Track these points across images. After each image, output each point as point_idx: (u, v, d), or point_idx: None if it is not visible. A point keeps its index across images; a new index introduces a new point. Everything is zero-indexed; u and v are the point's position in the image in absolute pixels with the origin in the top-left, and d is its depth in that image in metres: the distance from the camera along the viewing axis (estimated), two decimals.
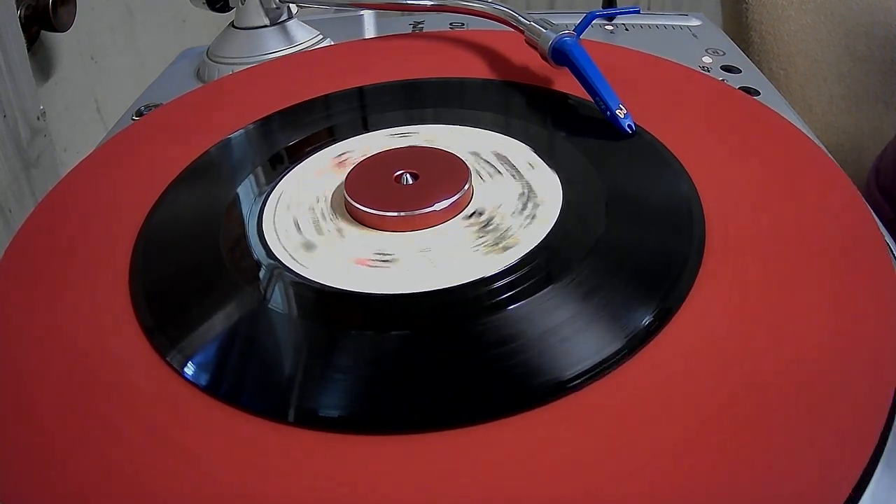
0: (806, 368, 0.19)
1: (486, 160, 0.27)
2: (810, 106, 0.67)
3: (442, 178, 0.26)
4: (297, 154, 0.29)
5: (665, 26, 0.45)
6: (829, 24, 0.66)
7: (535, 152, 0.28)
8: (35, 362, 0.21)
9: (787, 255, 0.22)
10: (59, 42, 0.55)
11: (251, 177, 0.28)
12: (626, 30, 0.45)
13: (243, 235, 0.25)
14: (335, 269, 0.23)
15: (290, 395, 0.19)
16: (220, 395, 0.20)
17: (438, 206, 0.24)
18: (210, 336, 0.22)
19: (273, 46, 0.41)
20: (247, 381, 0.20)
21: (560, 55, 0.31)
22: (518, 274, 0.22)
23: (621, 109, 0.28)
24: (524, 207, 0.25)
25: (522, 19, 0.33)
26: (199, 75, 0.42)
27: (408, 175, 0.26)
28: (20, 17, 0.48)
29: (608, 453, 0.17)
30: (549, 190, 0.26)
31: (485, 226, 0.24)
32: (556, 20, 0.34)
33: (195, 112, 0.34)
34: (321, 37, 0.43)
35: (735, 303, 0.21)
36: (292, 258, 0.24)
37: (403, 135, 0.30)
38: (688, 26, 0.45)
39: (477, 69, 0.34)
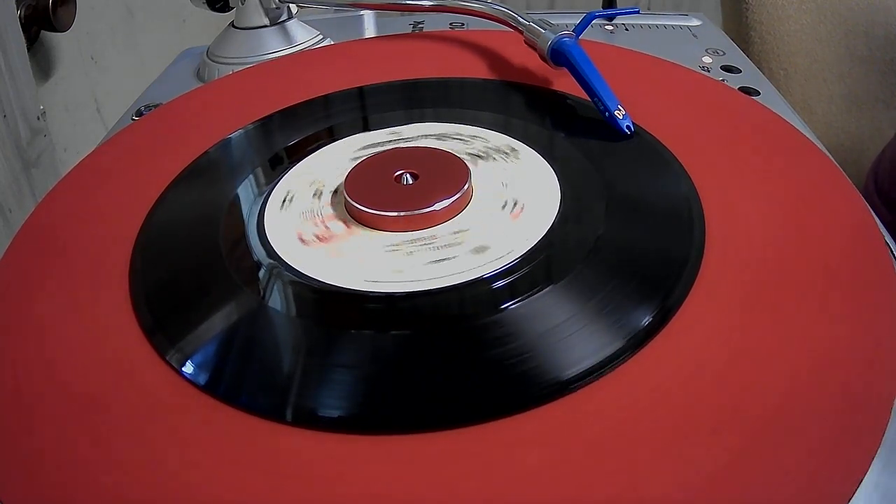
0: (806, 369, 0.19)
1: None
2: (810, 106, 0.67)
3: (442, 178, 0.26)
4: (298, 154, 0.29)
5: (665, 26, 0.45)
6: (829, 24, 0.66)
7: (541, 155, 0.28)
8: (34, 362, 0.21)
9: (787, 255, 0.22)
10: (59, 42, 0.55)
11: (251, 177, 0.28)
12: (626, 30, 0.45)
13: (243, 235, 0.25)
14: (335, 269, 0.23)
15: (290, 395, 0.19)
16: (220, 394, 0.20)
17: (438, 206, 0.24)
18: (210, 336, 0.22)
19: (273, 46, 0.41)
20: (246, 381, 0.20)
21: (559, 56, 0.31)
22: (518, 274, 0.22)
23: (620, 110, 0.28)
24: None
25: (521, 19, 0.33)
26: (199, 75, 0.42)
27: (408, 175, 0.26)
28: (20, 17, 0.48)
29: (608, 453, 0.17)
30: (549, 190, 0.26)
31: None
32: (556, 20, 0.34)
33: (195, 112, 0.34)
34: (321, 37, 0.43)
35: (735, 303, 0.21)
36: (291, 258, 0.24)
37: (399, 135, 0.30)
38: (688, 26, 0.45)
39: (477, 69, 0.34)
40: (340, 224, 0.25)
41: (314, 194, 0.27)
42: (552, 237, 0.23)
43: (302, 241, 0.24)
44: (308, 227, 0.25)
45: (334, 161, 0.28)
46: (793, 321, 0.20)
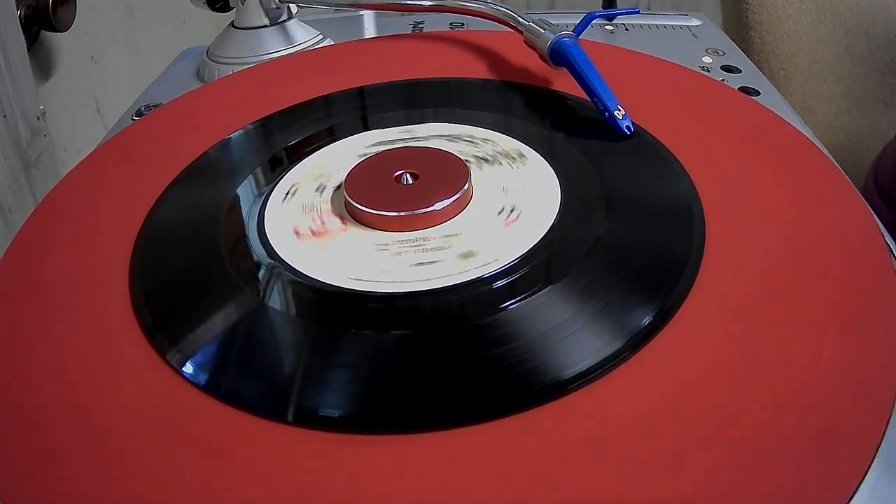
0: (806, 369, 0.19)
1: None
2: (810, 106, 0.67)
3: (442, 178, 0.26)
4: (297, 154, 0.29)
5: (665, 26, 0.45)
6: (829, 24, 0.66)
7: (541, 155, 0.28)
8: (34, 362, 0.21)
9: (786, 255, 0.22)
10: (59, 42, 0.55)
11: (251, 177, 0.28)
12: (626, 30, 0.45)
13: (243, 235, 0.25)
14: (335, 269, 0.23)
15: (290, 395, 0.19)
16: (220, 394, 0.20)
17: (438, 206, 0.24)
18: (210, 336, 0.22)
19: (273, 46, 0.41)
20: (246, 381, 0.20)
21: (559, 56, 0.31)
22: (518, 274, 0.22)
23: (619, 111, 0.28)
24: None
25: (521, 20, 0.33)
26: (199, 75, 0.42)
27: (408, 175, 0.26)
28: (20, 17, 0.48)
29: (607, 453, 0.17)
30: (549, 190, 0.26)
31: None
32: (556, 20, 0.34)
33: (195, 112, 0.34)
34: (321, 37, 0.43)
35: (734, 303, 0.21)
36: (291, 258, 0.24)
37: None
38: (688, 26, 0.45)
39: (477, 69, 0.34)
40: (340, 223, 0.25)
41: (316, 191, 0.27)
42: (552, 237, 0.23)
43: (298, 236, 0.24)
44: (307, 225, 0.25)
45: (339, 159, 0.28)
46: (792, 321, 0.20)
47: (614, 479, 0.17)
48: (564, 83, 0.31)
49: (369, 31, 0.48)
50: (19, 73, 0.47)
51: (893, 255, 0.24)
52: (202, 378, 0.20)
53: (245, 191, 0.27)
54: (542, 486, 0.17)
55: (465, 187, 0.25)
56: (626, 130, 0.28)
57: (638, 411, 0.18)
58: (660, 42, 0.43)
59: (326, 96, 0.33)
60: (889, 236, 0.24)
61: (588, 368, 0.19)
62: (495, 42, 0.36)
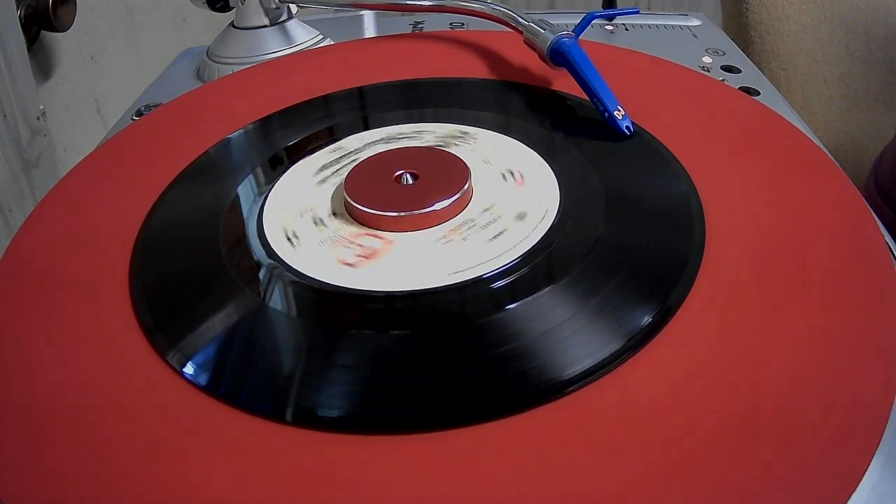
0: (806, 369, 0.19)
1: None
2: (810, 106, 0.67)
3: (442, 178, 0.26)
4: (297, 154, 0.29)
5: (665, 26, 0.45)
6: (829, 24, 0.66)
7: (541, 155, 0.28)
8: (34, 362, 0.21)
9: (786, 254, 0.22)
10: (59, 42, 0.55)
11: (251, 177, 0.28)
12: (626, 30, 0.45)
13: (243, 235, 0.25)
14: (334, 269, 0.23)
15: (290, 395, 0.19)
16: (220, 394, 0.20)
17: (438, 207, 0.24)
18: (209, 336, 0.22)
19: (273, 46, 0.41)
20: (246, 381, 0.20)
21: (558, 56, 0.31)
22: (518, 274, 0.22)
23: (619, 111, 0.28)
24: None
25: (521, 20, 0.33)
26: (199, 75, 0.42)
27: (408, 175, 0.26)
28: (20, 17, 0.48)
29: (607, 454, 0.17)
30: (548, 190, 0.26)
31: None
32: (556, 20, 0.34)
33: (195, 112, 0.34)
34: (321, 37, 0.43)
35: (735, 303, 0.21)
36: (290, 258, 0.24)
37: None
38: (688, 26, 0.45)
39: (477, 69, 0.34)
40: (340, 223, 0.25)
41: (315, 192, 0.27)
42: (552, 237, 0.23)
43: (301, 239, 0.24)
44: (307, 225, 0.25)
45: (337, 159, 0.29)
46: (793, 321, 0.20)
47: (615, 478, 0.17)
48: (564, 83, 0.31)
49: (369, 31, 0.48)
50: (19, 73, 0.47)
51: (893, 255, 0.24)
52: (202, 378, 0.20)
53: (245, 190, 0.27)
54: (542, 486, 0.17)
55: (466, 187, 0.25)
56: (626, 130, 0.28)
57: (638, 411, 0.18)
58: (660, 42, 0.43)
59: (326, 96, 0.33)
60: (889, 236, 0.24)
61: (588, 368, 0.19)
62: (495, 42, 0.36)
